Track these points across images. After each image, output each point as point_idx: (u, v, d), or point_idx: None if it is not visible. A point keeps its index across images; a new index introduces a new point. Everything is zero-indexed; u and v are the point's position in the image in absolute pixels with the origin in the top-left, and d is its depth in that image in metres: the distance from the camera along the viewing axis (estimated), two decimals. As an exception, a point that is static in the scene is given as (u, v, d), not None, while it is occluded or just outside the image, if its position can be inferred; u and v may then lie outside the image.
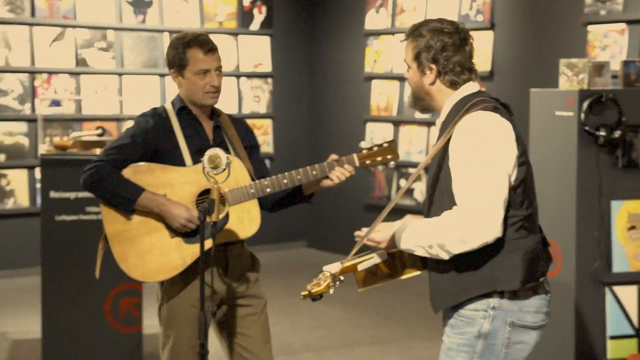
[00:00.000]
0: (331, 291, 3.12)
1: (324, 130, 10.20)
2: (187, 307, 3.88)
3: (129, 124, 8.84)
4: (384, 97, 9.41)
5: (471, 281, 3.09)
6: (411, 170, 9.03)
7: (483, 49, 8.45)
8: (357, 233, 3.31)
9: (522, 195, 3.09)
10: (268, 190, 3.77)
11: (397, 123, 9.27)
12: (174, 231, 3.79)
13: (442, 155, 3.12)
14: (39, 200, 8.60)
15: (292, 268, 9.25)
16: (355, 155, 3.81)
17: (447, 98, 3.19)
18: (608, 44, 7.61)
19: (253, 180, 3.85)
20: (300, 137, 10.35)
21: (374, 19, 9.46)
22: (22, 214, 8.69)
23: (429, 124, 8.93)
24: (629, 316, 4.86)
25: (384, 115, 9.39)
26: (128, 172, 3.80)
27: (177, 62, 3.86)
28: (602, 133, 4.70)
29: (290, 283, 8.21)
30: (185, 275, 3.83)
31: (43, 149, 6.13)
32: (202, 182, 3.76)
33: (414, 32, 3.22)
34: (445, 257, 3.04)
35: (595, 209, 4.80)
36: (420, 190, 9.02)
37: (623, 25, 7.46)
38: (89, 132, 6.26)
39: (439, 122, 3.23)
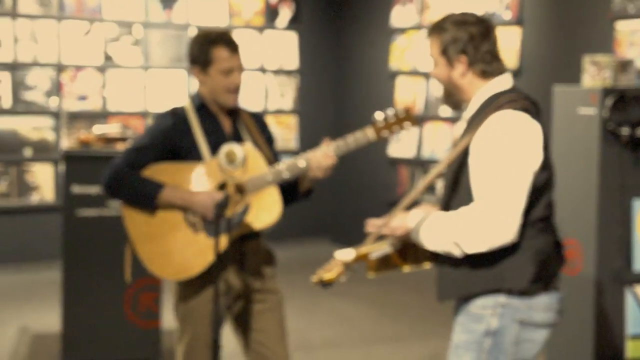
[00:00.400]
0: (342, 279, 3.09)
1: (350, 126, 10.16)
2: (204, 303, 3.88)
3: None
4: (409, 93, 9.37)
5: (479, 276, 3.05)
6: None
7: (511, 46, 8.39)
8: (371, 222, 3.27)
9: (542, 198, 3.05)
10: (286, 174, 3.74)
11: (422, 120, 9.22)
12: (196, 227, 3.79)
13: (466, 152, 3.07)
14: (64, 194, 8.69)
15: (314, 264, 9.12)
16: (371, 128, 3.74)
17: (478, 90, 3.14)
18: (636, 41, 7.53)
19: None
20: (326, 134, 10.30)
21: (400, 15, 9.42)
22: (48, 208, 8.73)
23: (454, 120, 8.87)
24: (650, 316, 4.81)
25: (410, 112, 9.33)
26: (146, 173, 3.82)
27: (202, 59, 3.84)
28: (625, 131, 4.64)
29: (310, 279, 8.19)
30: (203, 271, 3.83)
31: (66, 144, 6.15)
32: (219, 177, 3.77)
33: (438, 27, 3.18)
34: (458, 254, 3.00)
35: (617, 207, 4.75)
36: (440, 187, 8.96)
37: (652, 22, 7.38)
38: (112, 128, 6.27)
39: (467, 115, 3.17)
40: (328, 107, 10.33)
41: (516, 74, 8.30)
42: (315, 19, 10.19)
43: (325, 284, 3.09)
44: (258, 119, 4.06)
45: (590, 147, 4.70)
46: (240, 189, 3.75)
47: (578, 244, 4.79)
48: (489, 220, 2.92)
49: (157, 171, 3.82)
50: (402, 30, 9.41)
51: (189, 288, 3.90)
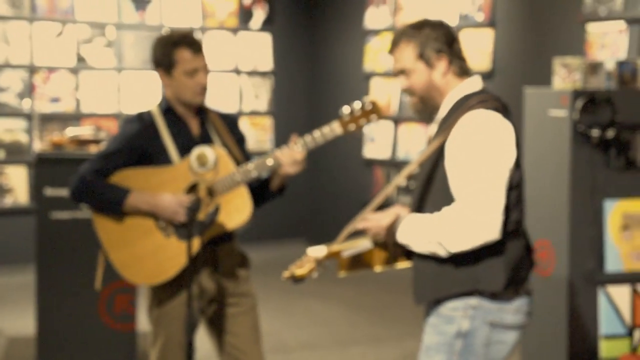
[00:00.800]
0: (314, 275, 3.11)
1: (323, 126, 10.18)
2: (178, 306, 3.88)
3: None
4: (383, 94, 9.40)
5: (454, 278, 3.07)
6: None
7: (483, 47, 8.44)
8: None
9: (514, 199, 3.08)
10: (254, 173, 3.74)
11: (397, 121, 9.25)
12: (167, 231, 3.79)
13: (439, 153, 3.08)
14: (38, 197, 8.65)
15: (289, 265, 9.22)
16: (337, 122, 3.73)
17: (451, 90, 3.13)
18: (607, 43, 7.59)
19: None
20: (301, 134, 10.31)
21: (374, 17, 9.45)
22: (21, 211, 8.69)
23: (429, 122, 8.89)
24: (621, 316, 4.85)
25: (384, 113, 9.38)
26: (115, 179, 3.82)
27: (165, 61, 3.83)
28: (596, 133, 4.68)
29: (287, 281, 8.21)
30: (176, 274, 3.83)
31: (39, 146, 6.12)
32: (188, 178, 3.76)
33: (404, 35, 3.16)
34: (443, 254, 3.02)
35: (589, 208, 4.79)
36: (419, 189, 9.00)
37: (622, 24, 7.44)
38: (85, 130, 6.25)
39: (439, 117, 3.17)
40: (303, 109, 10.35)
41: (488, 75, 8.35)
42: (289, 20, 10.19)
43: (296, 280, 3.12)
44: (227, 119, 4.04)
45: (561, 149, 4.74)
46: (210, 191, 3.75)
47: (550, 245, 4.83)
48: (473, 218, 2.94)
49: (125, 177, 3.82)
50: (376, 32, 9.44)
51: (162, 292, 3.90)
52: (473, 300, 3.06)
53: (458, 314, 3.08)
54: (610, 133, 4.69)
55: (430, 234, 3.02)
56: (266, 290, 7.73)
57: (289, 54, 10.19)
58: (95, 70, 9.00)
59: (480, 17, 8.46)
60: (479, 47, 8.49)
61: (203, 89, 3.85)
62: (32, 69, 8.73)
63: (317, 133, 3.76)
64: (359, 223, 3.21)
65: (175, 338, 3.91)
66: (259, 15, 9.90)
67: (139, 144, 3.84)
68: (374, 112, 3.70)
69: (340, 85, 9.96)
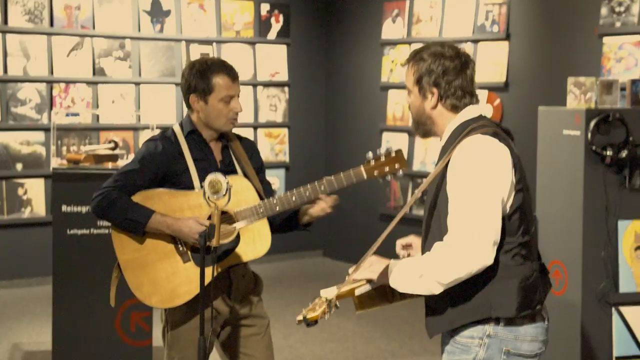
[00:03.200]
0: (326, 317, 3.12)
1: (340, 139, 10.21)
2: (192, 329, 3.89)
3: (146, 133, 8.90)
4: (399, 106, 9.41)
5: (466, 307, 3.08)
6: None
7: (498, 60, 8.43)
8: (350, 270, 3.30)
9: (518, 222, 3.08)
10: (277, 208, 3.78)
11: (412, 133, 9.24)
12: (186, 256, 3.81)
13: (441, 179, 3.11)
14: (55, 209, 8.69)
15: (307, 278, 9.25)
16: (362, 167, 3.78)
17: (447, 122, 3.18)
18: (623, 56, 7.57)
19: (262, 199, 3.86)
20: (317, 146, 10.36)
21: (390, 29, 9.46)
22: (39, 223, 8.74)
23: (445, 134, 8.90)
24: (635, 336, 4.84)
25: (400, 125, 9.39)
26: (138, 198, 3.82)
27: (200, 87, 3.84)
28: (609, 152, 4.67)
29: (305, 293, 8.22)
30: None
31: (56, 162, 6.16)
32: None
33: (415, 57, 3.21)
34: (438, 289, 3.02)
35: (602, 228, 4.78)
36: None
37: (638, 37, 7.42)
38: (101, 146, 6.29)
39: (440, 145, 3.22)
40: (319, 120, 10.37)
41: (503, 87, 8.35)
42: (305, 31, 10.22)
43: (309, 323, 3.11)
44: (246, 145, 4.07)
45: (575, 169, 4.74)
46: (230, 220, 3.77)
47: (563, 265, 4.82)
48: (459, 246, 2.95)
49: (148, 197, 3.83)
50: (393, 44, 9.45)
51: (177, 315, 3.92)
52: (489, 328, 3.07)
53: (474, 342, 3.08)
54: (624, 153, 4.67)
55: (420, 273, 3.03)
56: (282, 303, 7.75)
57: (305, 65, 10.22)
58: (113, 83, 9.05)
59: (495, 29, 8.46)
60: (494, 60, 8.49)
61: (236, 116, 3.88)
62: (51, 82, 8.78)
63: (340, 175, 3.78)
64: (355, 274, 3.24)
65: (189, 361, 3.93)
66: (276, 26, 9.93)
67: (162, 163, 3.85)
68: (398, 160, 3.75)
69: (356, 97, 9.97)
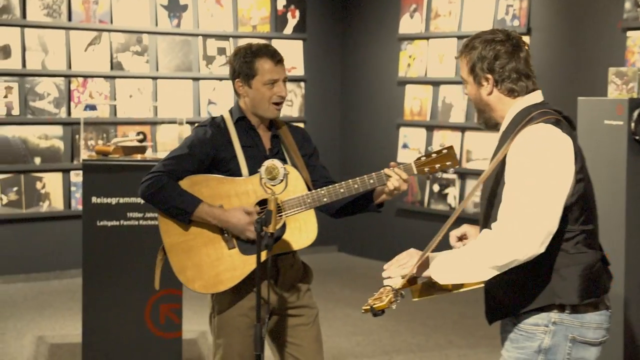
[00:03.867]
0: (394, 306, 3.07)
1: (357, 134, 10.18)
2: (238, 316, 3.88)
3: (163, 127, 8.87)
4: (417, 101, 9.38)
5: (529, 294, 3.06)
6: (445, 175, 8.99)
7: (519, 55, 8.40)
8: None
9: (579, 211, 3.05)
10: (325, 200, 3.77)
11: (430, 128, 9.24)
12: (231, 242, 3.79)
13: (501, 168, 3.09)
14: (74, 203, 8.67)
15: (323, 273, 9.20)
16: (413, 163, 3.77)
17: (507, 107, 3.15)
18: (647, 50, 7.55)
19: (310, 189, 3.84)
20: (333, 141, 10.33)
21: (408, 24, 9.43)
22: (57, 217, 8.71)
23: (463, 129, 8.89)
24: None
25: (418, 120, 9.37)
26: (185, 184, 3.81)
27: (244, 71, 3.85)
28: (653, 141, 4.66)
29: (321, 288, 8.18)
30: (237, 284, 3.82)
31: (85, 154, 6.13)
32: (259, 193, 3.76)
33: (467, 46, 3.19)
34: (488, 274, 2.99)
35: (645, 218, 4.76)
36: (454, 196, 8.98)
37: (662, 31, 7.42)
38: (129, 138, 6.26)
39: (500, 131, 3.19)
40: (335, 115, 10.33)
41: (526, 82, 8.32)
42: (322, 26, 10.19)
43: (376, 313, 3.06)
44: (298, 134, 4.05)
45: (618, 158, 4.71)
46: (279, 208, 3.75)
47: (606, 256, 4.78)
48: (510, 232, 2.93)
49: (196, 182, 3.82)
50: (410, 39, 9.42)
51: (223, 302, 3.90)
52: (554, 316, 3.04)
53: (539, 330, 3.05)
54: (667, 142, 4.66)
55: (467, 260, 3.01)
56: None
57: (321, 60, 10.19)
58: (131, 77, 9.01)
59: (516, 23, 8.44)
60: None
61: (281, 100, 3.85)
62: (69, 76, 8.74)
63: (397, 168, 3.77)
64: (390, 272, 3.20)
65: (235, 349, 3.90)
66: (292, 21, 9.90)
67: (211, 149, 3.84)
68: (449, 158, 3.73)
69: (372, 92, 9.95)
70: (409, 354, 6.48)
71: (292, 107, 9.98)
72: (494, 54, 3.11)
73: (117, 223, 5.65)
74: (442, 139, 9.07)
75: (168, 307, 5.71)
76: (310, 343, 3.97)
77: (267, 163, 3.45)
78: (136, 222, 5.65)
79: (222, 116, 3.96)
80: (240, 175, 3.84)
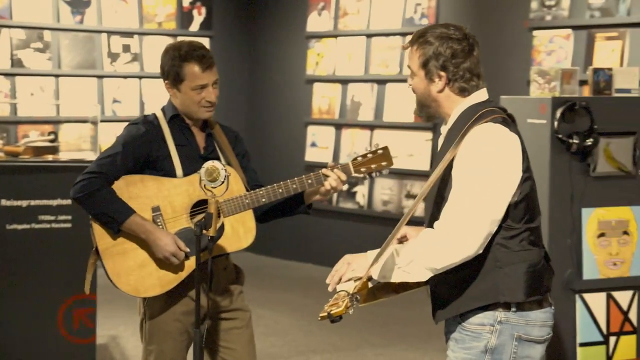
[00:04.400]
0: (350, 311, 3.01)
1: (265, 133, 10.10)
2: (171, 322, 3.79)
3: (65, 126, 8.64)
4: (326, 100, 9.36)
5: (473, 292, 3.04)
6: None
7: (428, 53, 8.45)
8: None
9: (524, 210, 3.05)
10: (263, 200, 3.70)
11: (339, 126, 9.23)
12: None
13: (449, 169, 3.06)
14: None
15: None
16: (350, 163, 3.74)
17: (455, 105, 3.12)
18: (553, 49, 7.68)
19: (247, 190, 3.76)
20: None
21: (316, 21, 9.40)
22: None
23: (372, 127, 8.91)
24: (598, 323, 4.88)
25: (326, 118, 9.34)
26: (120, 184, 3.69)
27: (172, 75, 3.74)
28: (576, 141, 4.70)
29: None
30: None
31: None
32: (196, 193, 3.68)
33: (420, 39, 3.14)
34: (426, 275, 2.98)
35: (568, 216, 4.80)
36: (362, 194, 8.98)
37: (568, 31, 7.54)
38: (40, 138, 6.06)
39: (445, 128, 3.15)
40: (243, 113, 10.23)
41: (435, 80, 8.38)
42: (229, 23, 10.08)
43: (334, 319, 2.99)
44: (230, 134, 3.97)
45: (541, 157, 4.74)
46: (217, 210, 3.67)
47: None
48: (451, 233, 2.93)
49: (131, 182, 3.71)
50: (318, 37, 9.39)
51: (155, 306, 3.80)
52: (500, 315, 3.02)
53: (485, 329, 3.04)
54: (590, 141, 4.71)
55: (408, 259, 2.99)
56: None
57: (228, 58, 10.06)
58: (32, 75, 8.75)
59: (424, 22, 8.48)
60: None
61: (211, 105, 3.76)
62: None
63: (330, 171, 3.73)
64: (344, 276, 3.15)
65: (167, 354, 3.82)
66: (198, 18, 9.77)
67: (144, 147, 3.73)
68: (384, 158, 3.73)
69: (280, 90, 9.89)
70: (325, 354, 6.45)
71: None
72: (451, 52, 3.07)
73: (28, 226, 5.48)
74: (351, 137, 9.07)
75: (82, 312, 5.57)
76: (244, 346, 3.91)
77: (208, 164, 3.35)
78: (48, 225, 5.49)
79: (154, 114, 3.85)
80: (174, 175, 3.74)
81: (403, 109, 8.57)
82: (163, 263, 3.69)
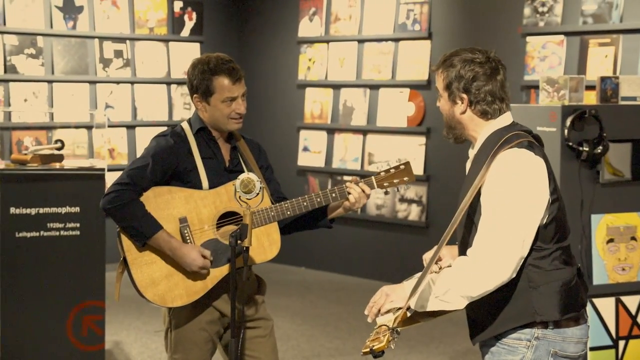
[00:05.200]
0: (392, 346, 3.05)
1: (257, 138, 9.88)
2: (196, 331, 3.84)
3: (59, 132, 8.64)
4: (318, 104, 9.41)
5: (509, 313, 3.09)
6: (346, 177, 9.03)
7: (420, 59, 8.54)
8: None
9: (554, 230, 3.10)
10: (289, 213, 3.76)
11: (331, 131, 9.29)
12: None
13: (478, 194, 3.11)
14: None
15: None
16: (373, 178, 3.82)
17: (479, 128, 3.17)
18: (547, 55, 7.78)
19: (272, 202, 3.82)
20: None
21: (307, 27, 9.45)
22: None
23: (364, 131, 8.97)
24: (607, 327, 4.97)
25: (318, 122, 9.40)
26: (149, 195, 3.74)
27: (202, 88, 3.79)
28: (586, 148, 4.78)
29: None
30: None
31: (1, 163, 5.92)
32: (223, 205, 3.75)
33: (445, 62, 3.20)
34: (463, 303, 3.03)
35: (577, 222, 4.88)
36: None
37: (561, 37, 7.64)
38: (47, 146, 6.07)
39: (472, 152, 3.22)
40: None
41: (426, 86, 8.46)
42: (220, 29, 10.11)
43: (376, 355, 3.03)
44: (254, 146, 4.03)
45: (551, 164, 4.80)
46: (240, 222, 3.72)
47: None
48: (483, 260, 2.99)
49: (159, 193, 3.76)
50: (310, 42, 9.45)
51: (181, 316, 3.84)
52: (537, 331, 3.08)
53: (522, 344, 3.09)
54: (599, 149, 4.79)
55: (444, 289, 3.04)
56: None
57: (218, 64, 10.08)
58: (25, 81, 8.74)
59: (417, 28, 8.56)
60: (416, 58, 8.58)
61: (240, 117, 3.82)
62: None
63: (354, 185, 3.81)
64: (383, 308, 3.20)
65: (191, 364, 3.85)
66: (189, 24, 9.79)
67: (173, 159, 3.79)
68: (406, 173, 3.81)
69: (272, 96, 9.93)
70: (330, 358, 6.50)
71: (191, 111, 9.86)
72: (472, 75, 3.13)
73: (37, 234, 5.50)
74: (344, 142, 9.13)
75: (91, 319, 5.60)
76: (268, 354, 3.95)
77: (243, 176, 3.40)
78: (57, 233, 5.51)
79: (181, 126, 3.90)
80: (200, 187, 3.80)
81: (396, 113, 8.64)
82: (189, 273, 3.73)
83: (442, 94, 3.20)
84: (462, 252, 3.18)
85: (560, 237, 3.13)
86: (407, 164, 3.82)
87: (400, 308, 3.11)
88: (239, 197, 3.38)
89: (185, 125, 3.90)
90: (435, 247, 3.14)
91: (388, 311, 3.15)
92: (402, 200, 8.67)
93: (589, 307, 4.94)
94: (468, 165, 3.25)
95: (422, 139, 8.55)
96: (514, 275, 3.02)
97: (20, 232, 5.46)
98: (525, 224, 3.00)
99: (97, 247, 5.59)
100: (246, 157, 3.93)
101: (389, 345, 3.01)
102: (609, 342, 4.99)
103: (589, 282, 4.93)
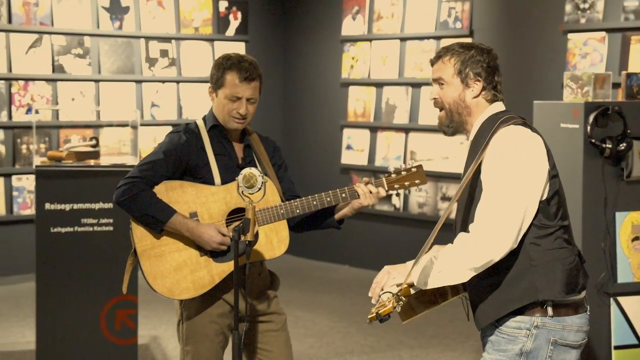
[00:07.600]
0: (398, 309, 3.10)
1: (300, 136, 10.20)
2: (207, 323, 3.89)
3: (105, 130, 8.79)
4: (361, 103, 9.44)
5: (512, 294, 3.11)
6: (389, 176, 9.03)
7: (462, 56, 8.50)
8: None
9: (556, 207, 3.14)
10: (298, 211, 3.80)
11: (374, 129, 9.30)
12: (203, 250, 3.79)
13: (476, 173, 3.15)
14: (16, 208, 8.55)
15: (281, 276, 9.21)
16: (384, 180, 3.84)
17: (480, 115, 3.23)
18: (588, 52, 7.71)
19: (282, 200, 3.86)
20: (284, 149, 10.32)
21: (350, 25, 9.48)
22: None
23: (407, 130, 8.97)
24: (633, 326, 4.93)
25: (361, 121, 9.42)
26: (160, 189, 3.80)
27: (214, 80, 3.87)
28: (609, 145, 4.75)
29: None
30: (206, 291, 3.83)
31: (38, 160, 6.05)
32: (233, 201, 3.79)
33: (450, 50, 3.25)
34: (467, 276, 3.06)
35: (601, 220, 4.86)
36: (398, 197, 9.04)
37: (603, 34, 7.56)
38: (83, 143, 6.19)
39: (470, 140, 3.26)
40: (277, 118, 10.33)
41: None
42: (264, 28, 10.19)
43: (382, 319, 3.09)
44: (269, 145, 4.07)
45: (574, 161, 4.80)
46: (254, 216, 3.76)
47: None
48: (485, 232, 3.01)
49: (170, 187, 3.82)
50: (353, 40, 9.48)
51: (192, 308, 3.90)
52: (537, 319, 3.10)
53: (521, 333, 3.11)
54: (623, 145, 4.76)
55: (447, 263, 3.07)
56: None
57: (263, 62, 10.07)
58: (73, 80, 8.91)
59: (458, 26, 8.54)
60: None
61: (241, 117, 3.86)
62: (10, 80, 8.61)
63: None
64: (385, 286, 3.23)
65: (203, 355, 3.91)
66: (234, 23, 9.88)
67: (185, 155, 3.85)
68: (418, 176, 3.84)
69: (315, 94, 9.97)
70: (363, 356, 6.52)
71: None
72: (487, 63, 3.21)
73: (71, 229, 5.60)
74: (386, 140, 9.14)
75: (124, 313, 5.68)
76: (281, 348, 4.00)
77: (245, 171, 3.45)
78: (90, 229, 5.61)
79: (195, 122, 3.97)
80: (212, 183, 3.85)
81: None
82: (197, 267, 3.79)
83: (451, 81, 3.23)
84: (462, 229, 3.21)
85: (562, 216, 3.16)
86: (419, 167, 3.86)
87: (401, 284, 3.16)
88: (242, 191, 3.43)
89: (200, 122, 3.96)
90: (437, 223, 3.17)
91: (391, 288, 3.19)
92: (444, 198, 8.65)
93: (613, 306, 4.91)
94: (466, 153, 3.28)
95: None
96: (515, 246, 3.04)
97: (55, 228, 5.57)
98: (526, 193, 3.04)
99: (130, 242, 5.67)
100: (259, 154, 3.98)
101: (394, 309, 3.06)
102: (635, 341, 4.95)
103: (613, 280, 4.90)
